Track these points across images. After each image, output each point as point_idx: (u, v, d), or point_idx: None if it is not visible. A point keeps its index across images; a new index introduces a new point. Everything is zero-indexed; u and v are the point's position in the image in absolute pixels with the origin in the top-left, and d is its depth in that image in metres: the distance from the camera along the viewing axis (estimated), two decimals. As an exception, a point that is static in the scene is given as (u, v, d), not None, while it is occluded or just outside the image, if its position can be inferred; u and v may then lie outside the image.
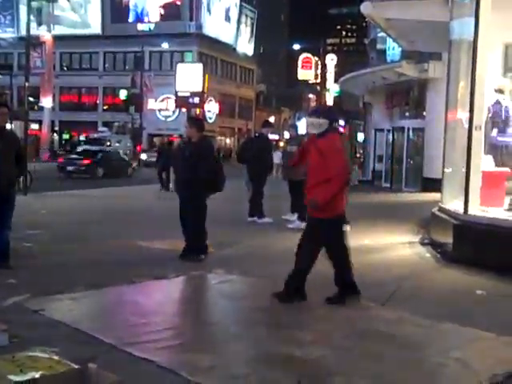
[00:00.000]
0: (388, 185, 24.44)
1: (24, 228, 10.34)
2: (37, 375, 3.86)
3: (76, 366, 3.98)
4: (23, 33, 35.07)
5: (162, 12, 58.08)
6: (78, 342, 4.67)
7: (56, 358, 4.15)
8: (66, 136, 59.68)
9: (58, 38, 46.75)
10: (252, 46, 68.62)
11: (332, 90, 61.56)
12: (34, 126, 46.51)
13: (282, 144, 43.51)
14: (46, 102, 35.43)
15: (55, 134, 57.37)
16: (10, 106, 42.34)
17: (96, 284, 6.46)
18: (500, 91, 9.50)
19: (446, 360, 4.52)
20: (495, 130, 9.44)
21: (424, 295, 6.65)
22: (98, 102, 60.41)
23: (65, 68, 60.00)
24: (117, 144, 44.74)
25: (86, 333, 4.85)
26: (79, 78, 58.60)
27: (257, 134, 13.95)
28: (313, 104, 71.69)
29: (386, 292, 6.52)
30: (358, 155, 37.48)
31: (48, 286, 6.30)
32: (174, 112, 53.50)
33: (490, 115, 9.37)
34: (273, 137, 61.46)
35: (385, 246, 9.64)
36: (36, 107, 37.56)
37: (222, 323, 5.42)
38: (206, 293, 6.88)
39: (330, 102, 61.69)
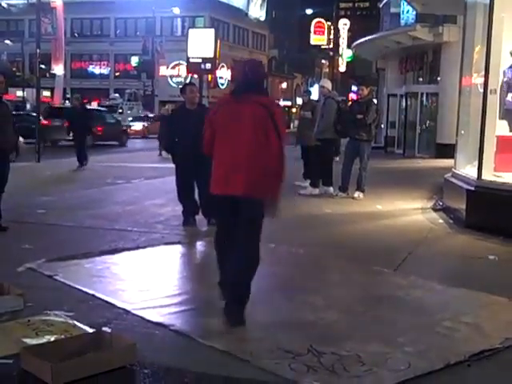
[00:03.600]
0: (401, 151, 24.27)
1: (37, 195, 10.44)
2: (52, 338, 3.92)
3: (91, 330, 4.05)
4: (34, -1, 34.94)
5: (173, -24, 57.38)
6: (92, 306, 4.73)
7: (71, 321, 4.22)
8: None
9: (68, 4, 46.43)
10: (264, 11, 67.82)
11: (345, 55, 60.89)
12: (46, 94, 46.47)
13: (294, 110, 43.20)
14: (58, 69, 35.24)
15: (67, 102, 57.35)
16: (21, 74, 42.03)
17: (109, 249, 6.52)
18: (516, 55, 9.33)
19: (457, 324, 4.53)
20: (510, 95, 9.30)
21: (436, 260, 6.65)
22: (109, 68, 60.16)
23: (76, 35, 59.65)
24: (129, 111, 44.73)
25: (99, 298, 4.90)
26: (90, 45, 58.27)
27: None
28: (325, 70, 71.10)
29: (398, 257, 6.52)
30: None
31: (62, 251, 6.36)
32: (185, 78, 53.28)
33: (505, 79, 9.22)
34: (285, 103, 61.22)
35: (397, 211, 9.62)
36: (48, 74, 37.39)
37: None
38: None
39: (342, 67, 61.08)
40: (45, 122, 24.55)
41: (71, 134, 16.65)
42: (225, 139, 4.60)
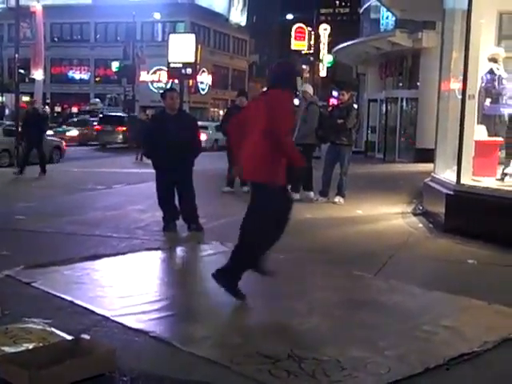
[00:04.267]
0: (381, 156, 24.42)
1: (16, 201, 10.34)
2: (30, 346, 3.88)
3: (69, 337, 4.01)
4: (12, 3, 34.66)
5: (154, -19, 57.27)
6: (71, 313, 4.69)
7: (49, 329, 4.18)
8: (58, 109, 59.23)
9: (47, 9, 46.15)
10: (245, 16, 67.92)
11: (325, 60, 61.17)
12: (26, 99, 46.12)
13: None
14: (37, 74, 34.90)
15: (47, 107, 56.95)
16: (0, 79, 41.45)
17: (88, 255, 6.47)
18: (494, 60, 9.42)
19: (437, 328, 4.55)
20: (488, 100, 9.39)
21: (416, 265, 6.69)
22: (89, 73, 59.87)
23: (55, 39, 59.29)
24: (109, 116, 44.49)
25: (78, 304, 4.86)
26: (70, 50, 57.95)
27: (234, 104, 13.44)
28: (306, 75, 71.28)
29: (378, 262, 6.54)
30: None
31: (40, 258, 6.30)
32: (166, 84, 53.13)
33: (483, 85, 9.31)
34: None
35: (377, 216, 9.66)
36: (27, 79, 37.08)
37: (216, 294, 5.44)
38: (199, 264, 6.89)
39: (323, 72, 61.36)
40: (98, 127, 32.72)
41: (24, 139, 15.84)
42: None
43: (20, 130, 16.94)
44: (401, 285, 5.72)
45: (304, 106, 11.68)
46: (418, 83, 22.63)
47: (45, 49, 39.05)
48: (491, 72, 9.36)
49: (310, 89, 12.26)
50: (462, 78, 8.58)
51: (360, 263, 6.40)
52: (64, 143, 22.62)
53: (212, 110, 60.98)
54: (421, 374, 3.72)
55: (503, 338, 4.35)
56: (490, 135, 9.41)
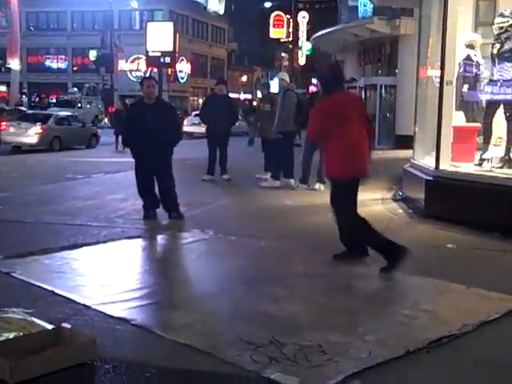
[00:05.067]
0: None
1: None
2: (10, 336, 3.85)
3: (50, 327, 3.99)
4: (-13, -8, 34.19)
5: (131, -31, 56.70)
6: (52, 302, 4.66)
7: (29, 318, 4.15)
8: (36, 98, 58.61)
9: (23, -3, 45.56)
10: (223, 4, 67.58)
11: (304, 48, 61.13)
12: (2, 88, 45.58)
13: (255, 103, 43.26)
14: (14, 63, 34.61)
15: (24, 96, 56.30)
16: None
17: (68, 245, 6.43)
18: (471, 47, 9.47)
19: (417, 312, 4.60)
20: (466, 86, 9.45)
21: (396, 250, 6.71)
22: (67, 62, 59.25)
23: (31, 28, 58.58)
24: (88, 105, 44.11)
25: (58, 294, 4.84)
26: (47, 39, 57.29)
27: (213, 93, 13.36)
28: (285, 63, 71.22)
29: (358, 248, 6.55)
30: None
31: (19, 247, 6.25)
32: (145, 73, 52.79)
33: (460, 71, 9.38)
34: (245, 96, 61.19)
35: (358, 202, 9.68)
36: (3, 69, 36.66)
37: (197, 282, 5.45)
38: (180, 252, 6.88)
39: (302, 60, 61.32)
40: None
41: None
42: None
43: None
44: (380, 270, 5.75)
45: (282, 94, 11.70)
46: (397, 70, 22.72)
47: (21, 38, 38.63)
48: (468, 58, 9.42)
49: (286, 76, 12.29)
50: (439, 64, 8.62)
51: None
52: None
53: (192, 98, 60.74)
54: (401, 357, 3.76)
55: (482, 320, 4.40)
56: (467, 121, 9.48)
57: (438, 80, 8.71)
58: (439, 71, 8.65)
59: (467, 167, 8.71)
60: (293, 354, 3.73)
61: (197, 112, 25.46)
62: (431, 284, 5.40)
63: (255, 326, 4.21)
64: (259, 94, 16.91)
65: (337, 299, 4.93)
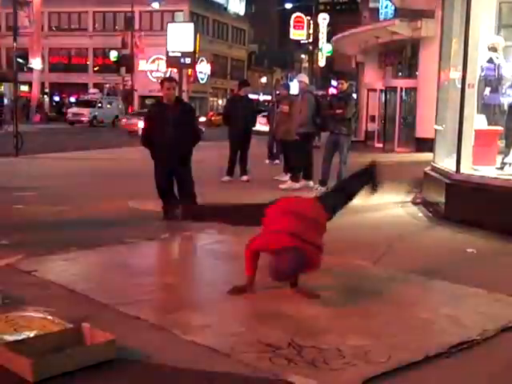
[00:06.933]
0: (381, 145, 24.39)
1: (14, 190, 10.34)
2: (31, 334, 3.88)
3: (70, 325, 4.01)
4: (10, -8, 34.57)
5: (152, -30, 56.97)
6: (71, 302, 4.69)
7: (49, 317, 4.18)
8: (56, 98, 59.13)
9: (45, -3, 45.92)
10: (243, 5, 67.70)
11: (324, 49, 61.04)
12: (24, 88, 46.01)
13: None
14: (36, 63, 34.95)
15: (45, 96, 56.80)
16: (-1, 68, 41.54)
17: (88, 245, 6.47)
18: (493, 49, 9.41)
19: (436, 316, 4.57)
20: (488, 89, 9.38)
21: (415, 253, 6.69)
22: (88, 63, 59.66)
23: (53, 28, 59.06)
24: (108, 106, 44.41)
25: (78, 293, 4.87)
26: (68, 39, 57.74)
27: (237, 94, 13.34)
28: (305, 65, 71.13)
29: (377, 251, 6.55)
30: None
31: (40, 247, 6.30)
32: (165, 73, 53.04)
33: (482, 74, 9.31)
34: (265, 97, 61.20)
35: (377, 205, 9.64)
36: (25, 69, 37.01)
37: (215, 283, 5.45)
38: (198, 253, 6.89)
39: (322, 62, 61.21)
40: None
41: None
42: None
43: None
44: (400, 274, 5.72)
45: (300, 96, 11.70)
46: (417, 72, 22.58)
47: (43, 38, 38.98)
48: (491, 61, 9.35)
49: (305, 78, 12.30)
50: (461, 67, 8.57)
51: (359, 252, 6.40)
52: None
53: (211, 99, 60.92)
54: (421, 361, 3.73)
55: (503, 326, 4.36)
56: (489, 124, 9.41)
57: (460, 82, 8.66)
58: (461, 74, 8.59)
59: (488, 171, 8.64)
60: (311, 357, 3.72)
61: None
62: (451, 288, 5.36)
63: (273, 328, 4.21)
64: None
65: (355, 302, 4.90)
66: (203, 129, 25.32)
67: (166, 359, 3.70)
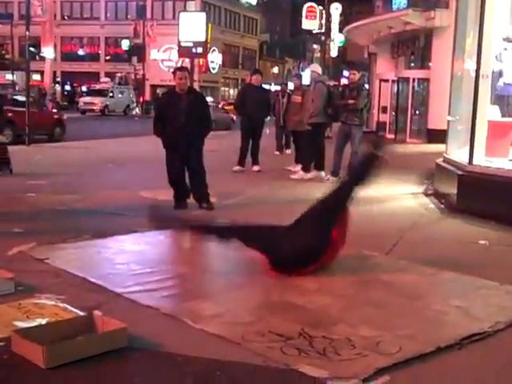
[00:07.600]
0: (392, 136, 24.30)
1: (26, 178, 10.38)
2: (43, 321, 3.91)
3: (81, 313, 4.04)
4: (23, -19, 34.55)
5: (164, -41, 56.91)
6: (83, 290, 4.71)
7: (62, 305, 4.21)
8: (68, 87, 59.26)
9: (58, -14, 45.99)
10: (256, -6, 67.46)
11: (336, 39, 60.70)
12: (36, 77, 46.09)
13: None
14: (48, 51, 34.90)
15: (57, 85, 56.95)
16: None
17: (100, 233, 6.50)
18: (508, 40, 9.31)
19: (448, 308, 4.55)
20: (502, 80, 9.30)
21: (427, 245, 6.67)
22: (99, 52, 59.74)
23: (66, 17, 59.12)
24: (119, 95, 44.50)
25: (90, 281, 4.89)
26: (80, 28, 57.82)
27: (249, 83, 13.14)
28: (317, 55, 70.87)
29: (389, 242, 6.53)
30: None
31: (52, 235, 6.34)
32: (176, 63, 52.99)
33: (497, 64, 9.22)
34: (276, 88, 61.06)
35: (388, 196, 9.63)
36: (37, 57, 37.03)
37: (227, 272, 5.45)
38: (210, 242, 6.88)
39: (334, 52, 60.93)
40: None
41: None
42: None
43: None
44: (412, 265, 5.71)
45: (312, 86, 11.66)
46: (430, 63, 22.44)
47: (55, 26, 38.99)
48: (505, 51, 9.26)
49: (317, 68, 12.25)
50: (475, 57, 8.50)
51: (370, 243, 6.38)
52: None
53: (223, 88, 60.88)
54: (432, 353, 3.72)
55: (515, 318, 4.34)
56: (503, 116, 9.34)
57: (474, 73, 8.59)
58: (475, 64, 8.52)
59: (501, 162, 8.58)
60: (322, 348, 3.72)
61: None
62: (462, 280, 5.34)
63: (284, 318, 4.21)
64: (291, 86, 16.78)
65: (367, 293, 4.89)
66: (234, 117, 25.40)
67: (177, 348, 3.71)
